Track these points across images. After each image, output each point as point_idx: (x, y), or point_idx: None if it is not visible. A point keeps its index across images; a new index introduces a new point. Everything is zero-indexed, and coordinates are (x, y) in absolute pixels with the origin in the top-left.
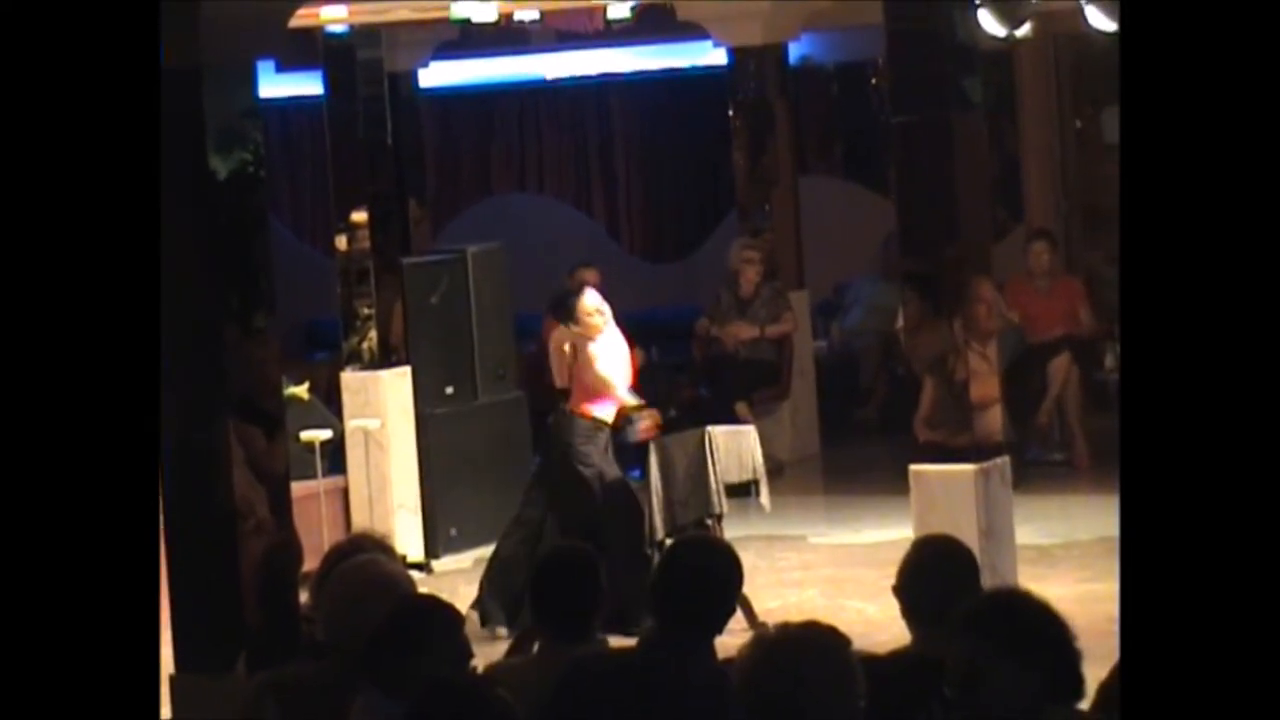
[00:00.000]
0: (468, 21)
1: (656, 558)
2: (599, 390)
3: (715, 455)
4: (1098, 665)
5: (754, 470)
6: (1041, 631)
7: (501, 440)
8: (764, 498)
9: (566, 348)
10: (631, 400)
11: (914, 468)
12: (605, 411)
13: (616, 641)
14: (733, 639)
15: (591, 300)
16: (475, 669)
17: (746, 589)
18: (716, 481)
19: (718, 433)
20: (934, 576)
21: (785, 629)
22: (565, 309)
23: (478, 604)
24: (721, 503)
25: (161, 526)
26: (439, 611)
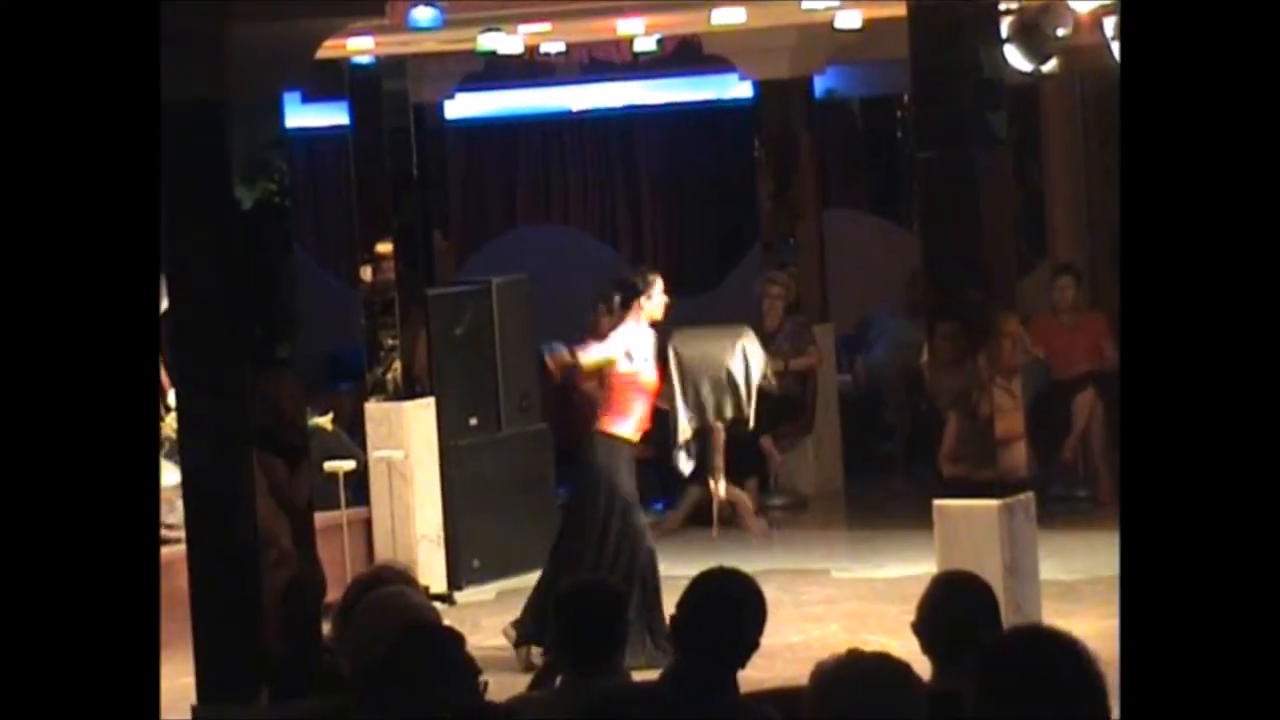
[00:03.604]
0: (494, 53)
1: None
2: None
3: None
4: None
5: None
6: (1063, 670)
7: (525, 471)
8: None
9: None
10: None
11: (938, 503)
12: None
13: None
14: (756, 673)
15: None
16: (490, 698)
17: (769, 623)
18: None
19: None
20: (953, 613)
21: (858, 656)
22: (635, 289)
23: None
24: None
25: (186, 557)
26: (438, 635)
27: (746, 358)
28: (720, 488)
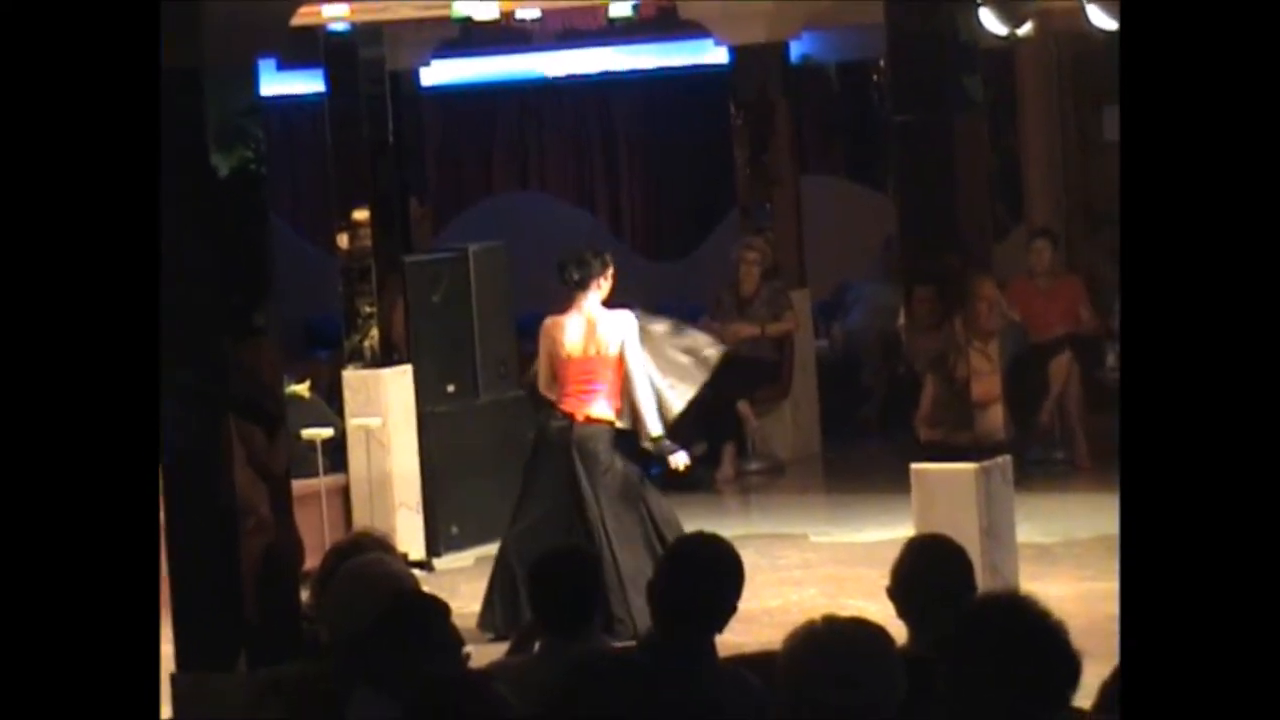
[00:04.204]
0: (469, 20)
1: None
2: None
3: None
4: (1099, 664)
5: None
6: (1034, 637)
7: (503, 439)
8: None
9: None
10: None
11: (915, 466)
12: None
13: None
14: (734, 637)
15: None
16: (471, 664)
17: (747, 587)
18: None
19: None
20: (927, 578)
21: (833, 622)
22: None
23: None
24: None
25: (162, 525)
26: (424, 605)
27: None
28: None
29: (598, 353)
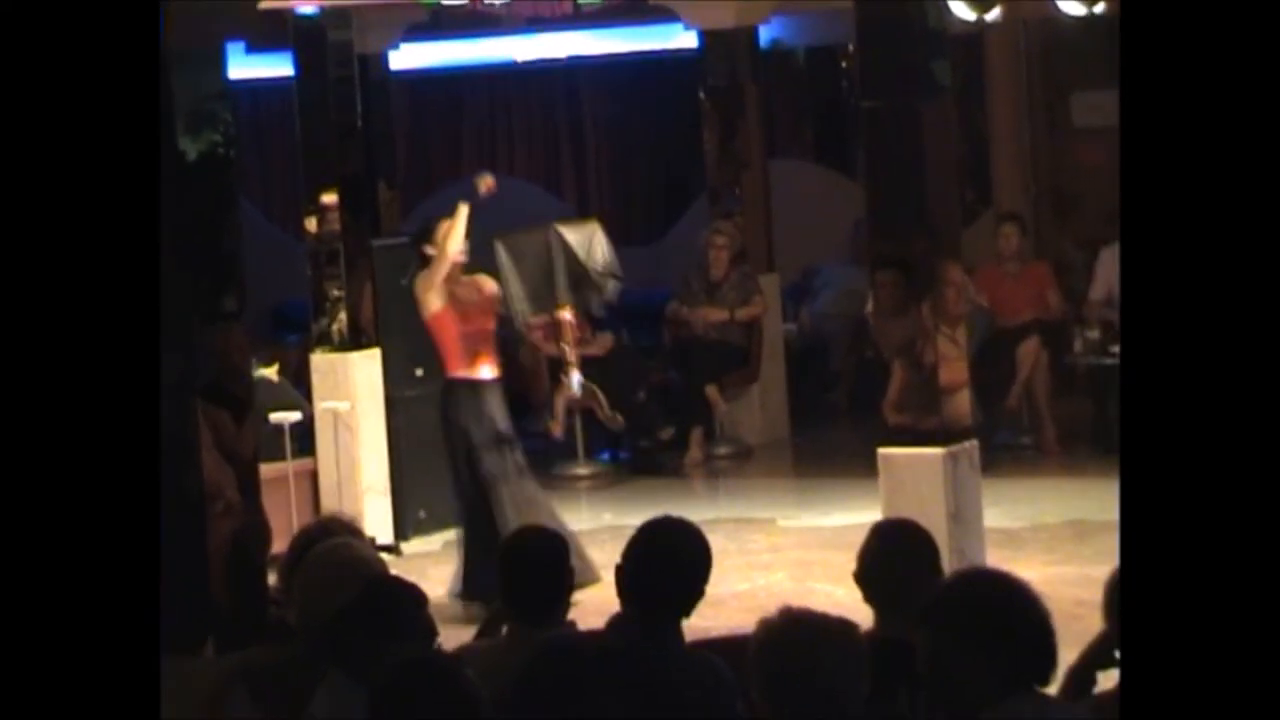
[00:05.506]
0: (438, 3)
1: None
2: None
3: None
4: (1065, 649)
5: (604, 265)
6: (1006, 614)
7: None
8: (608, 293)
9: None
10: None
11: (882, 451)
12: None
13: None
14: (701, 621)
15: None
16: (443, 649)
17: (715, 572)
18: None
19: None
20: (892, 562)
21: (799, 613)
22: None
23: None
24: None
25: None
26: (404, 593)
27: (567, 245)
28: (575, 382)
29: None
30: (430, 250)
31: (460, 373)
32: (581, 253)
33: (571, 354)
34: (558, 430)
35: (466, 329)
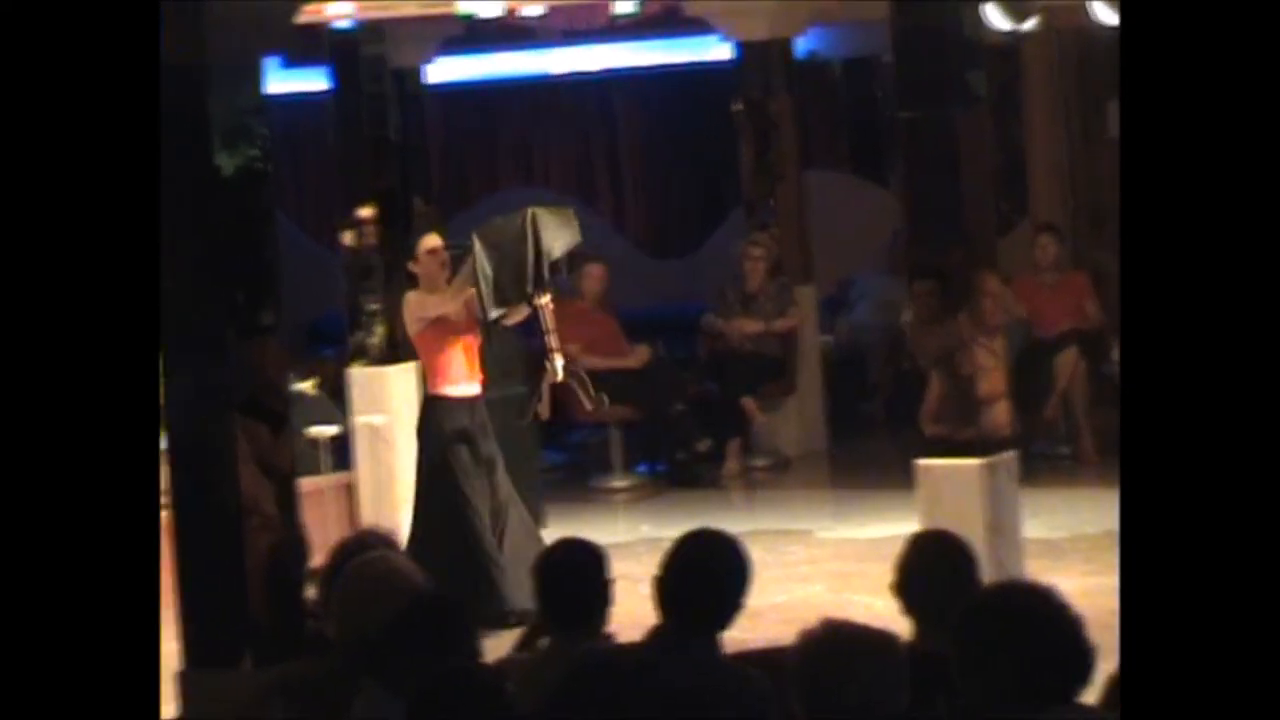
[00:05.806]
0: (473, 17)
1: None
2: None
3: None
4: (1105, 659)
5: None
6: (1034, 625)
7: (507, 435)
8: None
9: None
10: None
11: (920, 462)
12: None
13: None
14: (741, 633)
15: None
16: (483, 661)
17: (753, 584)
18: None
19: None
20: (930, 573)
21: (839, 624)
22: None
23: None
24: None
25: (170, 523)
26: (450, 609)
27: (538, 230)
28: (557, 366)
29: None
30: (414, 268)
31: (439, 389)
32: (547, 240)
33: (553, 340)
34: (545, 413)
35: (448, 346)
